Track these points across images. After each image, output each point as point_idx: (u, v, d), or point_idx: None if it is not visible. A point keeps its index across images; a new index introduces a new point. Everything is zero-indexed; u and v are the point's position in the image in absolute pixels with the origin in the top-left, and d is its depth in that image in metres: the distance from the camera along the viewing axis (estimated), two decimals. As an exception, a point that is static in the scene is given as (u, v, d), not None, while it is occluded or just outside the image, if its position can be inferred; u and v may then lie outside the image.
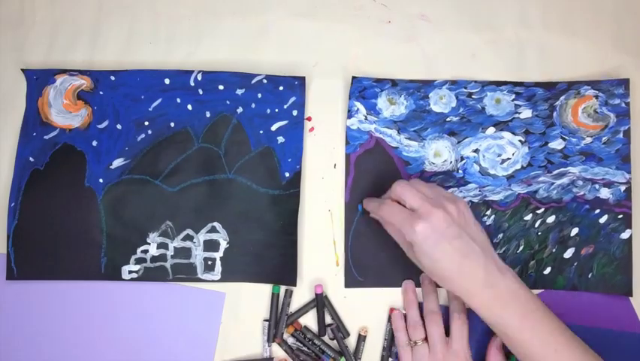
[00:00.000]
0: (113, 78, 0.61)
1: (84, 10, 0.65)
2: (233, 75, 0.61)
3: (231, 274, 0.59)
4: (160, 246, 0.59)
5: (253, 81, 0.61)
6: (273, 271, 0.59)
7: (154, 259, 0.59)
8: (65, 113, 0.61)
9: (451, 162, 0.61)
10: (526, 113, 0.61)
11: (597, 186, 0.59)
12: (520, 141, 0.60)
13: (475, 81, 0.61)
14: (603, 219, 0.59)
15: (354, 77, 0.61)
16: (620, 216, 0.59)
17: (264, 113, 0.61)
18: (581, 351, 0.49)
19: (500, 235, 0.60)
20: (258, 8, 0.64)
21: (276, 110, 0.61)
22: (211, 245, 0.59)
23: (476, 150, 0.61)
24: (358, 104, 0.61)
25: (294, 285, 0.59)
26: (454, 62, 0.63)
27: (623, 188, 0.59)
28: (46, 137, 0.60)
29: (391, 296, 0.60)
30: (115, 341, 0.58)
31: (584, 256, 0.59)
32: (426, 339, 0.56)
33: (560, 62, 0.62)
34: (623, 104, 0.60)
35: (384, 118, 0.61)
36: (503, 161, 0.60)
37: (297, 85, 0.61)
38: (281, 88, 0.61)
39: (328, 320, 0.59)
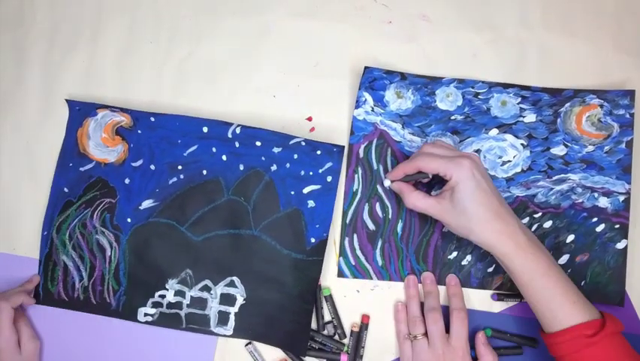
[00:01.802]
0: (152, 119, 0.61)
1: (84, 10, 0.65)
2: (272, 134, 0.60)
3: (243, 331, 0.58)
4: (177, 293, 0.59)
5: (291, 142, 0.60)
6: (284, 336, 0.58)
7: (170, 305, 0.59)
8: (103, 147, 0.61)
9: (452, 160, 0.61)
10: (530, 117, 0.61)
11: (596, 195, 0.59)
12: (522, 144, 0.61)
13: (483, 81, 0.62)
14: (600, 228, 0.59)
15: (366, 67, 0.61)
16: (617, 226, 0.59)
17: (298, 175, 0.60)
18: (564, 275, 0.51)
19: (496, 237, 0.60)
20: (258, 8, 0.65)
21: (310, 173, 0.60)
22: (227, 299, 0.59)
23: (478, 151, 0.61)
24: (367, 95, 0.61)
25: (304, 355, 0.58)
26: (455, 62, 0.63)
27: (622, 198, 0.59)
28: (82, 168, 0.61)
29: (392, 294, 0.60)
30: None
31: (579, 263, 0.59)
32: (425, 334, 0.56)
33: (560, 63, 0.63)
34: (628, 115, 0.60)
35: (390, 111, 0.61)
36: (504, 163, 0.61)
37: (335, 152, 0.60)
38: (318, 152, 0.60)
39: (327, 318, 0.60)
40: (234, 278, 0.59)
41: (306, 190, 0.60)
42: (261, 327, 0.58)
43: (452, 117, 0.61)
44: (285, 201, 0.60)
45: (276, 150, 0.60)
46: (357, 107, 0.61)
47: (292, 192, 0.60)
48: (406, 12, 0.65)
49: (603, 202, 0.59)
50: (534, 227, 0.59)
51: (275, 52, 0.64)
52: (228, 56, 0.64)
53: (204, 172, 0.60)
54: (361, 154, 0.61)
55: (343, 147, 0.60)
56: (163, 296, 0.59)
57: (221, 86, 0.64)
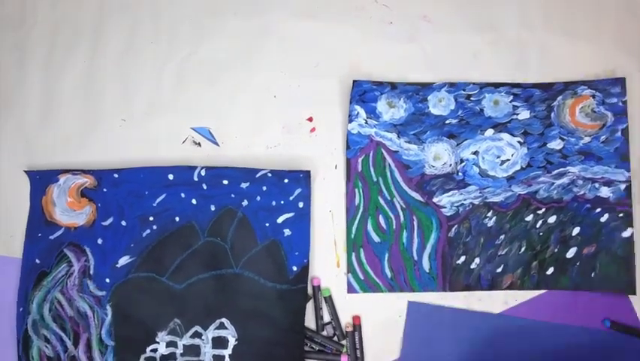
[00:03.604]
0: (116, 176, 0.60)
1: (85, 10, 0.65)
2: (236, 170, 0.60)
3: None
4: (169, 344, 0.58)
5: (257, 175, 0.60)
6: None
7: (163, 358, 0.58)
8: (70, 212, 0.60)
9: (450, 165, 0.61)
10: (524, 114, 0.61)
11: (597, 185, 0.59)
12: (519, 142, 0.61)
13: (474, 83, 0.62)
14: (604, 218, 0.59)
15: (354, 81, 0.61)
16: (620, 215, 0.59)
17: (270, 206, 0.60)
18: None
19: (502, 236, 0.60)
20: (259, 9, 0.65)
21: (282, 202, 0.60)
22: (220, 342, 0.58)
23: (475, 152, 0.61)
24: (359, 108, 0.61)
25: None
26: (456, 63, 0.63)
27: (623, 186, 0.59)
28: (51, 237, 0.60)
29: (392, 295, 0.60)
30: None
31: (586, 255, 0.59)
32: None
33: (561, 63, 0.63)
34: (620, 103, 0.60)
35: (384, 122, 0.61)
36: (503, 162, 0.60)
37: (302, 178, 0.60)
38: (286, 181, 0.60)
39: (326, 319, 0.59)
40: (224, 320, 0.58)
41: (280, 220, 0.59)
42: None
43: (447, 122, 0.61)
44: (262, 234, 0.59)
45: (243, 185, 0.60)
46: (350, 121, 0.61)
47: (267, 224, 0.59)
48: (406, 12, 0.64)
49: (605, 192, 0.59)
50: (539, 223, 0.59)
51: (276, 52, 0.64)
52: (229, 56, 0.64)
53: (177, 219, 0.60)
54: (360, 167, 0.61)
55: (309, 171, 0.60)
56: (155, 350, 0.58)
57: (222, 86, 0.64)
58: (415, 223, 0.60)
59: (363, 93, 0.61)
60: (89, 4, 0.65)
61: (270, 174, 0.59)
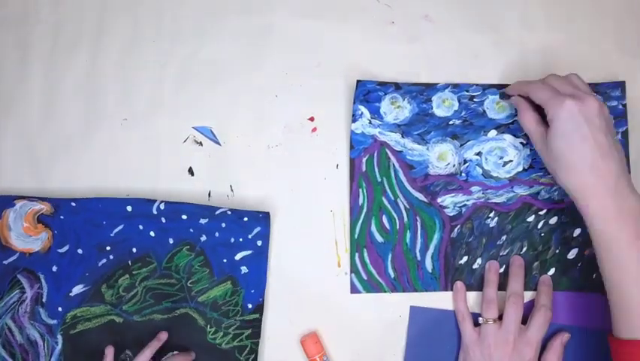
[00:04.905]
0: (73, 204, 0.59)
1: (88, 9, 0.65)
2: (196, 207, 0.59)
3: None
4: None
5: (217, 212, 0.59)
6: None
7: None
8: (25, 237, 0.59)
9: (454, 166, 0.61)
10: (526, 115, 0.61)
11: (598, 187, 0.60)
12: (521, 143, 0.61)
13: (477, 84, 0.62)
14: (605, 220, 0.60)
15: (358, 81, 0.61)
16: (621, 216, 0.59)
17: (228, 242, 0.59)
18: None
19: (504, 237, 0.60)
20: (261, 8, 0.64)
21: (240, 239, 0.59)
22: None
23: (479, 153, 0.61)
24: (362, 108, 0.61)
25: None
26: (457, 63, 0.63)
27: (623, 188, 0.60)
28: (5, 262, 0.59)
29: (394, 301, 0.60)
30: None
31: (588, 256, 0.59)
32: (498, 319, 0.55)
33: (562, 64, 0.63)
34: (620, 106, 0.61)
35: (388, 122, 0.61)
36: (505, 163, 0.61)
37: (261, 218, 0.59)
38: (245, 219, 0.59)
39: None
40: (176, 353, 0.58)
41: (238, 257, 0.59)
42: None
43: (450, 122, 0.61)
44: (219, 270, 0.59)
45: (202, 221, 0.59)
46: (354, 120, 0.61)
47: (225, 260, 0.59)
48: (408, 12, 0.64)
49: (605, 194, 0.60)
50: (540, 224, 0.60)
51: (277, 52, 0.64)
52: (231, 55, 0.64)
53: (134, 250, 0.59)
54: (364, 167, 0.60)
55: (268, 213, 0.60)
56: None
57: (223, 86, 0.63)
58: (419, 224, 0.60)
59: (367, 93, 0.61)
60: (91, 3, 0.65)
61: (229, 212, 0.59)
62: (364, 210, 0.60)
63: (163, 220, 0.59)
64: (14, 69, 0.64)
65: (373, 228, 0.60)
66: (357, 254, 0.59)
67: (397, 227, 0.60)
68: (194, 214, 0.59)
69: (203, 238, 0.59)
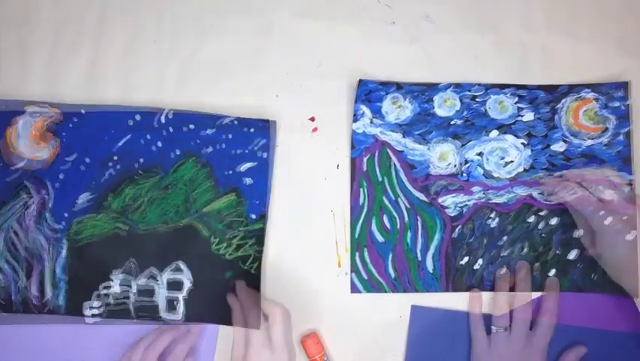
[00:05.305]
0: (83, 112, 0.60)
1: (88, 9, 0.65)
2: (202, 116, 0.60)
3: (195, 315, 0.58)
4: (123, 283, 0.58)
5: (223, 122, 0.60)
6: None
7: (117, 296, 0.58)
8: (34, 144, 0.60)
9: (455, 166, 0.61)
10: (528, 115, 0.61)
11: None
12: (522, 143, 0.61)
13: (479, 84, 0.62)
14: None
15: (360, 80, 0.61)
16: (624, 218, 0.59)
17: (233, 154, 0.60)
18: None
19: (504, 238, 0.60)
20: (261, 8, 0.64)
21: (246, 151, 0.60)
22: (175, 285, 0.58)
23: (480, 153, 0.61)
24: (364, 108, 0.61)
25: (257, 328, 0.55)
26: (458, 64, 0.63)
27: (625, 190, 0.60)
28: (12, 168, 0.59)
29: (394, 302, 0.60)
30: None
31: (588, 256, 0.59)
32: (507, 328, 0.56)
33: (563, 65, 0.63)
34: (623, 107, 0.61)
35: (389, 122, 0.61)
36: (506, 164, 0.61)
37: (266, 127, 0.60)
38: (252, 130, 0.60)
39: None
40: (180, 263, 0.59)
41: (242, 168, 0.60)
42: (212, 309, 0.58)
43: (452, 122, 0.61)
44: (224, 181, 0.60)
45: (209, 131, 0.60)
46: (355, 120, 0.61)
47: (229, 172, 0.60)
48: (409, 13, 0.64)
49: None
50: (541, 225, 0.60)
51: (278, 52, 0.64)
52: (231, 55, 0.64)
53: (141, 160, 0.60)
54: (365, 167, 0.60)
55: (274, 121, 0.60)
56: (108, 287, 0.58)
57: (223, 86, 0.63)
58: (419, 224, 0.60)
59: (369, 93, 0.61)
60: (91, 3, 0.65)
61: (236, 122, 0.60)
62: (365, 209, 0.60)
63: (170, 130, 0.60)
64: (14, 69, 0.63)
65: (374, 227, 0.60)
66: (357, 254, 0.59)
67: (398, 227, 0.60)
68: (201, 124, 0.60)
69: (209, 149, 0.60)
